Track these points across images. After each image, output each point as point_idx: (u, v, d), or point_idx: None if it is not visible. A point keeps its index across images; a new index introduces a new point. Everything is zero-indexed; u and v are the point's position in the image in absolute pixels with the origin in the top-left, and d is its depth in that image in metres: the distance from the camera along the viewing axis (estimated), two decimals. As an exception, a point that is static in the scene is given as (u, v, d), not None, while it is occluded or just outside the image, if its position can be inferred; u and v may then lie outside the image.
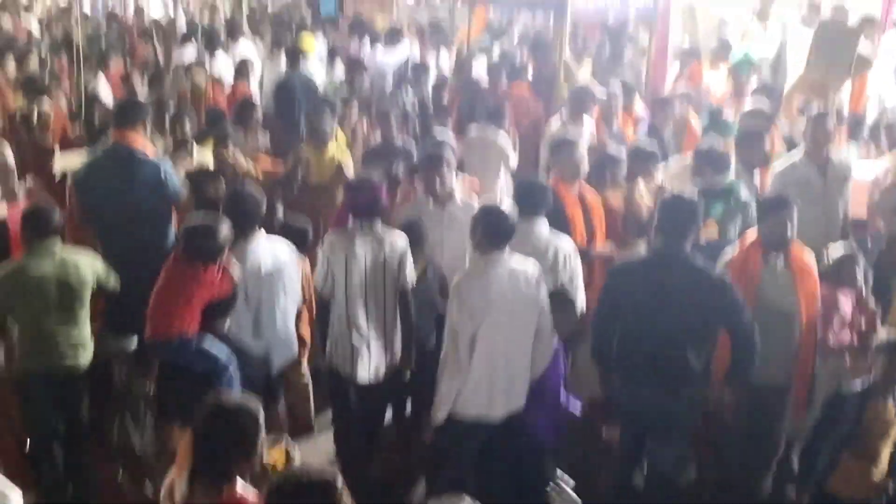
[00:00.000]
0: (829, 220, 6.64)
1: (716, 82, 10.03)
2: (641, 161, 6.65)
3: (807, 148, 6.76)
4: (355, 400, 5.43)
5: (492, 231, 4.76)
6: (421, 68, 10.65)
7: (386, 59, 11.67)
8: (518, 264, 4.82)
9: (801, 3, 11.79)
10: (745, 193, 6.23)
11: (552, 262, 5.34)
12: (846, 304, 5.45)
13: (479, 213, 4.86)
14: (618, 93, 8.48)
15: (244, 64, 10.64)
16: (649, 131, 8.13)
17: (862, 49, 9.07)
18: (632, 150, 6.82)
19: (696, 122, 8.44)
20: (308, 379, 6.08)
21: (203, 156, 7.23)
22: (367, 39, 12.80)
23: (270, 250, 5.21)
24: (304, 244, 5.76)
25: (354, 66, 10.54)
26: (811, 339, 5.25)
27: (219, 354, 4.91)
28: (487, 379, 4.76)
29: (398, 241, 5.31)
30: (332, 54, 12.28)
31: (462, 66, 11.04)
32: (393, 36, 12.18)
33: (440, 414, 4.81)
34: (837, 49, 8.65)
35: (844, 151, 7.53)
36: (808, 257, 5.31)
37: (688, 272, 4.80)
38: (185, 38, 12.39)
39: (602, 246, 6.11)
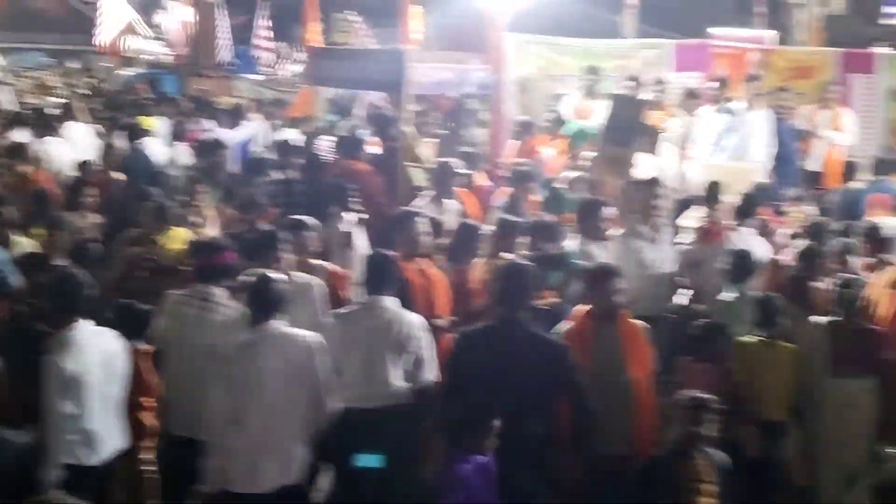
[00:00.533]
0: (661, 287, 6.94)
1: (551, 155, 10.33)
2: (507, 233, 6.70)
3: (637, 217, 7.07)
4: (181, 458, 5.27)
5: (258, 300, 4.84)
6: (286, 146, 10.36)
7: (232, 137, 11.55)
8: (291, 333, 4.85)
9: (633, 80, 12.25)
10: (582, 262, 6.43)
11: (397, 337, 5.35)
12: (709, 375, 5.51)
13: (250, 283, 4.95)
14: (460, 166, 8.65)
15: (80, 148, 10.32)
16: (510, 205, 8.17)
17: (655, 120, 9.40)
18: (499, 222, 6.91)
19: (535, 195, 8.65)
20: (151, 470, 5.84)
21: (28, 242, 7.02)
22: (213, 120, 12.63)
23: (95, 340, 4.94)
24: (145, 327, 5.58)
25: (208, 146, 10.10)
26: (647, 408, 5.26)
27: None
28: (253, 451, 4.68)
29: (231, 311, 5.32)
30: (175, 134, 12.05)
31: (306, 145, 11.00)
32: (236, 114, 12.09)
33: (207, 487, 4.74)
34: (625, 122, 8.82)
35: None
36: (638, 325, 5.40)
37: (526, 338, 4.89)
38: (14, 121, 11.93)
39: (443, 320, 6.14)
